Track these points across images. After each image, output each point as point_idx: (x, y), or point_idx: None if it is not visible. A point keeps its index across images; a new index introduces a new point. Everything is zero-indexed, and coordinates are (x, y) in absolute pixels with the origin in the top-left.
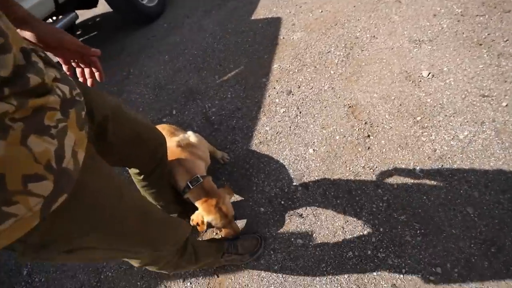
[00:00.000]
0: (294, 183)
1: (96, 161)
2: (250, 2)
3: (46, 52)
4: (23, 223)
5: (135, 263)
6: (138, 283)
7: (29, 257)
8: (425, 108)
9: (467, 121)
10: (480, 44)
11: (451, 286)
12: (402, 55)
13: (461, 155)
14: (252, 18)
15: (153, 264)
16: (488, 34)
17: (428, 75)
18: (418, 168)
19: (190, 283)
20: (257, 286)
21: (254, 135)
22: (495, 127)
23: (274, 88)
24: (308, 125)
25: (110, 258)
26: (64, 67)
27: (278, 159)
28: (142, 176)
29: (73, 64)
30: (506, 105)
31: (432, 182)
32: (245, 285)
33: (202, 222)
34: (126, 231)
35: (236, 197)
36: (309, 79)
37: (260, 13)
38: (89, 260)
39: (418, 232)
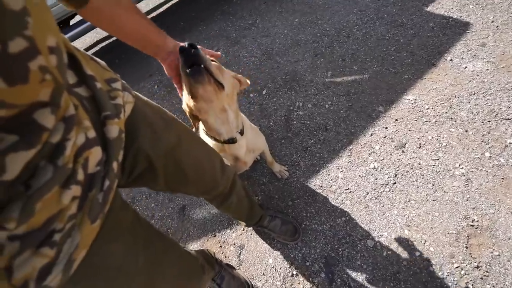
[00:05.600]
0: (321, 265)
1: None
2: None
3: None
4: None
5: None
6: None
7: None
8: None
9: None
10: None
11: None
12: None
13: None
14: (428, 9)
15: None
16: None
17: None
18: None
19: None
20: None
21: (321, 173)
22: None
23: (386, 128)
24: (391, 208)
25: None
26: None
27: (326, 223)
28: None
29: None
30: None
31: None
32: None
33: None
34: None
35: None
36: (443, 144)
37: (445, 5)
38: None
39: None
